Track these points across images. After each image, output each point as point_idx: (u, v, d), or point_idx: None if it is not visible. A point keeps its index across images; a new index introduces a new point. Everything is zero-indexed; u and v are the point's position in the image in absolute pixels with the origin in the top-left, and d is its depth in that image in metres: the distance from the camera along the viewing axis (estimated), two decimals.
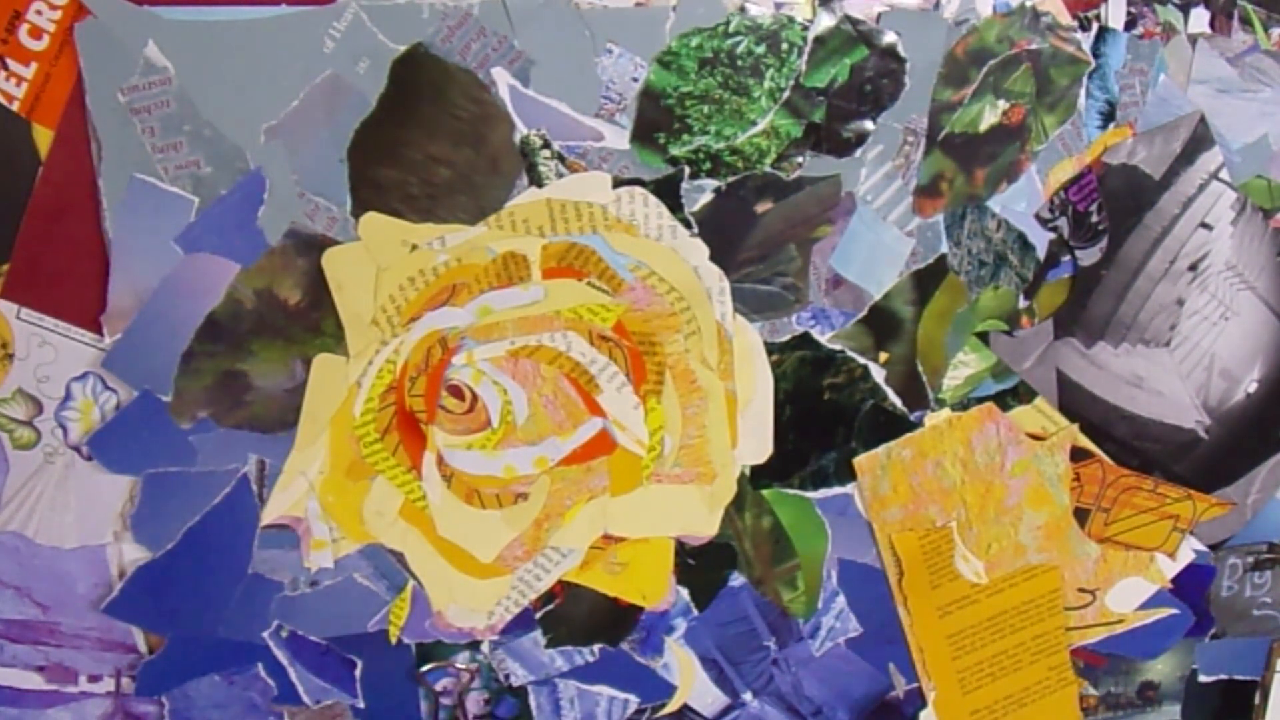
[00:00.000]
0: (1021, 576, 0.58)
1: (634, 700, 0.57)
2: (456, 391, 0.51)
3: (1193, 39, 0.54)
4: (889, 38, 0.50)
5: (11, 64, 0.46)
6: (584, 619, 0.55)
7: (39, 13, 0.46)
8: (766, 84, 0.50)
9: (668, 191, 0.50)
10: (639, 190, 0.50)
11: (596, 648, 0.56)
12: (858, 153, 0.52)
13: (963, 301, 0.54)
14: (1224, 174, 0.55)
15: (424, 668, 0.56)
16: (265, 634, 0.53)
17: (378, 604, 0.54)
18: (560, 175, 0.49)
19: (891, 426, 0.55)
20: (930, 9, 0.51)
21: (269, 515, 0.51)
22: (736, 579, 0.56)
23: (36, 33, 0.46)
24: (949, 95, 0.52)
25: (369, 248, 0.49)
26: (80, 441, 0.50)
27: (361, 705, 0.55)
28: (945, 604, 0.57)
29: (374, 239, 0.49)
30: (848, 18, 0.50)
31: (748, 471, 0.54)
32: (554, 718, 0.57)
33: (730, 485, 0.54)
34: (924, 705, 0.58)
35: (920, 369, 0.55)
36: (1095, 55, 0.53)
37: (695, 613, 0.56)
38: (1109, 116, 0.54)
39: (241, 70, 0.47)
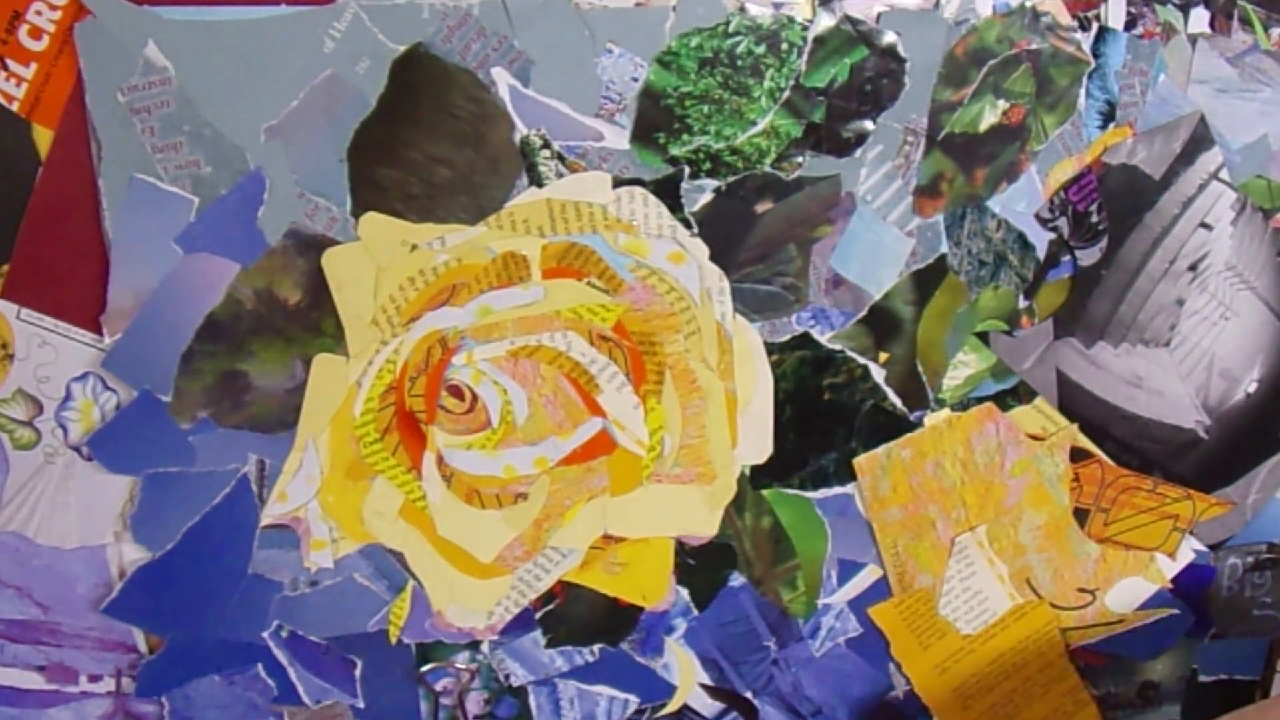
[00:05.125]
0: (1011, 618, 0.58)
1: (634, 700, 0.57)
2: (456, 391, 0.51)
3: (1193, 39, 0.54)
4: (889, 38, 0.50)
5: (11, 64, 0.46)
6: (584, 619, 0.55)
7: (39, 13, 0.46)
8: (766, 84, 0.50)
9: (668, 191, 0.50)
10: (639, 190, 0.50)
11: (596, 648, 0.56)
12: (858, 153, 0.52)
13: (963, 301, 0.54)
14: (1224, 174, 0.55)
15: (424, 668, 0.56)
16: (265, 634, 0.53)
17: (378, 604, 0.54)
18: (560, 175, 0.49)
19: (891, 426, 0.55)
20: (930, 9, 0.51)
21: (269, 515, 0.51)
22: (736, 579, 0.56)
23: (36, 33, 0.46)
24: (949, 95, 0.52)
25: (369, 248, 0.49)
26: (80, 441, 0.50)
27: (361, 705, 0.55)
28: (941, 661, 0.58)
29: (374, 239, 0.49)
30: (848, 18, 0.50)
31: (748, 471, 0.54)
32: (554, 718, 0.57)
33: (730, 485, 0.54)
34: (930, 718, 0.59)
35: (920, 369, 0.55)
36: (1095, 55, 0.53)
37: (695, 613, 0.56)
38: (1109, 116, 0.54)
39: (241, 70, 0.47)
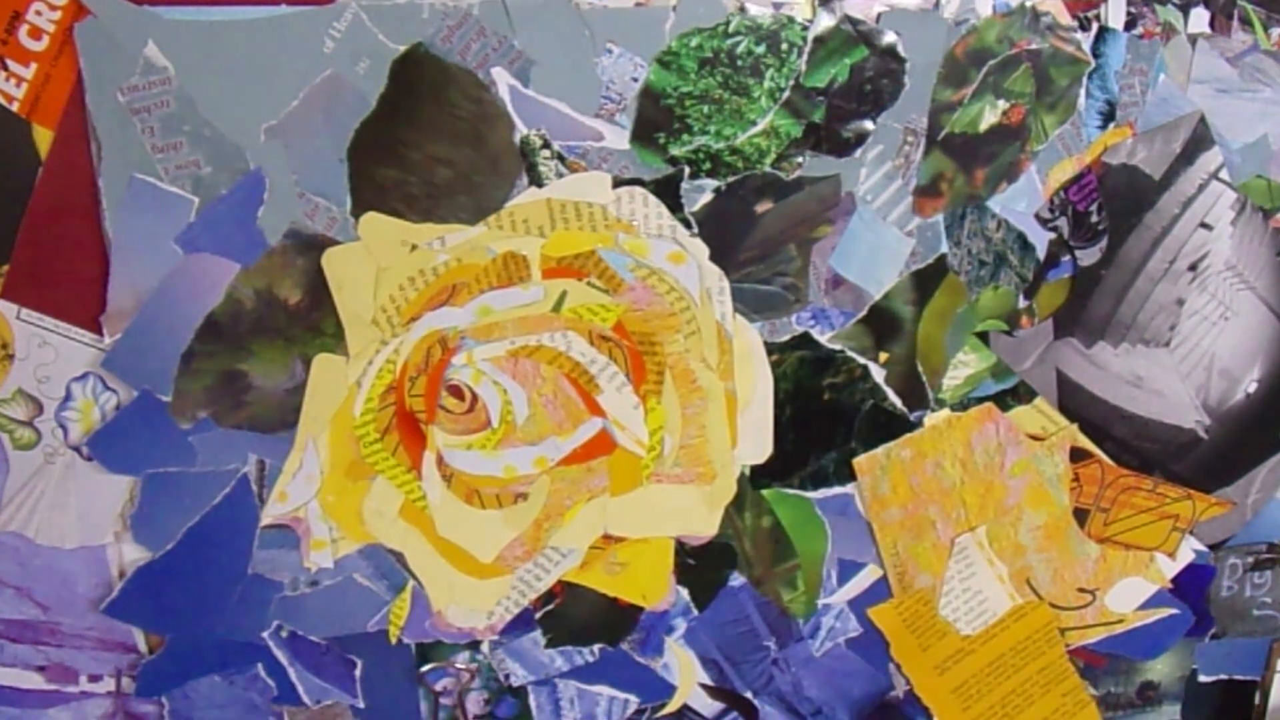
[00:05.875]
0: (1011, 619, 0.58)
1: (634, 700, 0.57)
2: (456, 391, 0.51)
3: (1193, 39, 0.54)
4: (889, 38, 0.50)
5: (11, 64, 0.46)
6: (584, 619, 0.55)
7: (39, 13, 0.46)
8: (766, 84, 0.50)
9: (668, 191, 0.50)
10: (639, 190, 0.50)
11: (596, 648, 0.56)
12: (858, 153, 0.52)
13: (963, 301, 0.54)
14: (1224, 174, 0.55)
15: (424, 668, 0.56)
16: (265, 634, 0.53)
17: (378, 604, 0.54)
18: (560, 175, 0.49)
19: (891, 426, 0.55)
20: (930, 9, 0.51)
21: (269, 515, 0.51)
22: (736, 579, 0.56)
23: (36, 33, 0.46)
24: (949, 95, 0.52)
25: (369, 248, 0.49)
26: (80, 442, 0.50)
27: (361, 705, 0.55)
28: (940, 662, 0.58)
29: (374, 239, 0.49)
30: (848, 18, 0.50)
31: (748, 471, 0.54)
32: (554, 718, 0.57)
33: (730, 485, 0.54)
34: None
35: (920, 369, 0.55)
36: (1095, 55, 0.53)
37: (695, 613, 0.56)
38: (1109, 116, 0.54)
39: (241, 70, 0.47)
